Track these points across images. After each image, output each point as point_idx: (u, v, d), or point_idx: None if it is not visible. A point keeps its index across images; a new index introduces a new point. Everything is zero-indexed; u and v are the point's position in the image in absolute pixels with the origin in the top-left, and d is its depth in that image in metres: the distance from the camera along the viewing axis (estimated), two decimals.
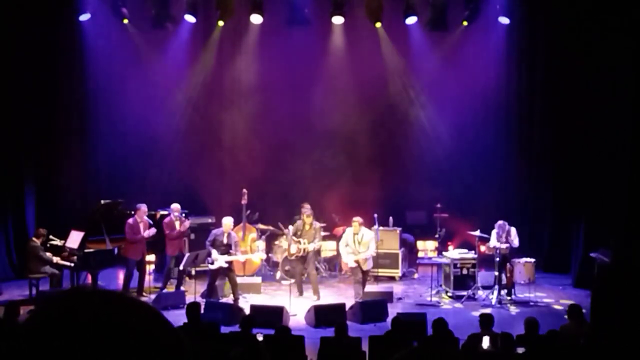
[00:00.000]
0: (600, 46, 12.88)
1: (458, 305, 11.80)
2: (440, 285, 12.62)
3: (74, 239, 11.85)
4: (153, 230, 12.08)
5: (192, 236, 13.46)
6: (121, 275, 12.55)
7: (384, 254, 13.20)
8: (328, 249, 13.57)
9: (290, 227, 12.42)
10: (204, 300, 11.10)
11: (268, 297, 12.22)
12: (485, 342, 7.48)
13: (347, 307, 10.82)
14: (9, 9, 13.33)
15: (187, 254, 11.69)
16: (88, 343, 0.94)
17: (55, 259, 11.81)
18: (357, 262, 11.58)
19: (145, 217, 12.22)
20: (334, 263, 13.93)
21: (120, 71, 14.90)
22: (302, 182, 14.88)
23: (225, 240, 11.65)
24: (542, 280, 12.89)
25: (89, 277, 12.03)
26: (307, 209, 12.71)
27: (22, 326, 0.98)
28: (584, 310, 8.22)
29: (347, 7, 14.61)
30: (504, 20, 14.52)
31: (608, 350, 1.28)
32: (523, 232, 12.47)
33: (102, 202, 12.29)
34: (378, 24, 14.81)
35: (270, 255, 13.98)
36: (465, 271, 12.20)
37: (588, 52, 13.16)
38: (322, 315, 10.42)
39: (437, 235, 13.57)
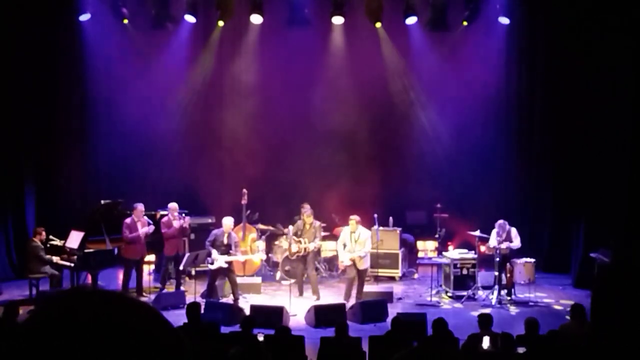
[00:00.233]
0: (600, 46, 12.88)
1: (458, 305, 11.80)
2: (440, 286, 12.62)
3: (74, 239, 11.85)
4: (151, 228, 12.08)
5: (192, 236, 13.45)
6: (121, 276, 12.55)
7: (384, 254, 13.20)
8: (328, 249, 13.56)
9: (290, 227, 12.42)
10: (204, 300, 11.10)
11: (268, 297, 12.22)
12: (486, 342, 7.48)
13: (347, 307, 10.82)
14: (8, 8, 13.32)
15: (187, 254, 11.69)
16: (88, 343, 0.94)
17: (55, 259, 11.82)
18: (352, 260, 11.55)
19: (145, 217, 12.22)
20: (334, 263, 13.91)
21: (120, 71, 14.89)
22: (302, 182, 14.87)
23: (225, 241, 11.65)
24: (542, 281, 12.89)
25: (89, 277, 12.03)
26: (307, 209, 12.70)
27: (22, 326, 0.98)
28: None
29: (347, 7, 14.60)
30: (504, 20, 14.52)
31: (608, 350, 1.28)
32: (523, 232, 12.46)
33: (102, 202, 12.29)
34: (378, 24, 14.80)
35: (270, 255, 13.98)
36: (465, 271, 12.20)
37: (588, 52, 13.16)
38: (322, 315, 10.42)
39: (437, 236, 13.56)
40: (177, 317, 9.50)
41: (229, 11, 14.68)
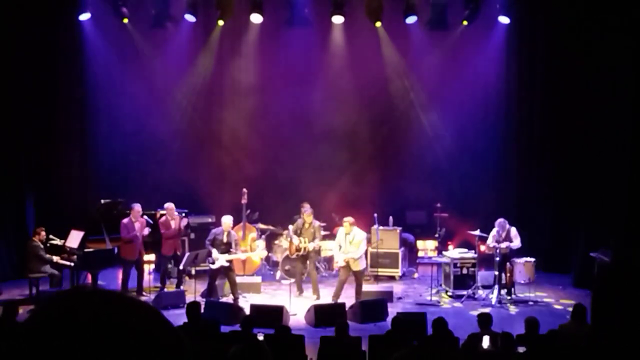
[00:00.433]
0: (600, 45, 12.88)
1: (458, 304, 11.79)
2: (440, 285, 12.62)
3: (74, 238, 11.85)
4: (147, 230, 12.07)
5: (192, 235, 13.46)
6: (121, 275, 12.55)
7: (384, 253, 13.21)
8: (328, 248, 13.55)
9: (290, 227, 12.42)
10: (204, 299, 11.10)
11: (268, 297, 12.22)
12: (486, 341, 7.48)
13: (347, 306, 10.82)
14: (8, 8, 13.32)
15: (187, 254, 11.69)
16: (88, 343, 0.94)
17: (55, 259, 11.82)
18: (346, 262, 11.54)
19: (145, 217, 12.23)
20: (333, 263, 13.92)
21: (120, 70, 14.90)
22: (302, 181, 14.88)
23: (225, 239, 11.64)
24: (542, 280, 12.88)
25: (89, 276, 12.03)
26: (307, 208, 12.70)
27: (22, 326, 0.98)
28: None
29: (347, 6, 14.60)
30: (504, 19, 14.52)
31: (608, 350, 1.28)
32: (523, 231, 12.45)
33: (102, 201, 12.29)
34: (378, 24, 14.80)
35: (270, 254, 13.99)
36: (465, 271, 12.20)
37: (588, 52, 13.16)
38: (322, 314, 10.42)
39: (437, 235, 13.57)
40: (177, 317, 9.51)
41: (229, 11, 14.67)
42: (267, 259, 14.03)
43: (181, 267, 11.80)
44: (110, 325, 0.96)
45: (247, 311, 10.23)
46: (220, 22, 14.82)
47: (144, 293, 12.09)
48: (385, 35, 15.19)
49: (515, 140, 15.03)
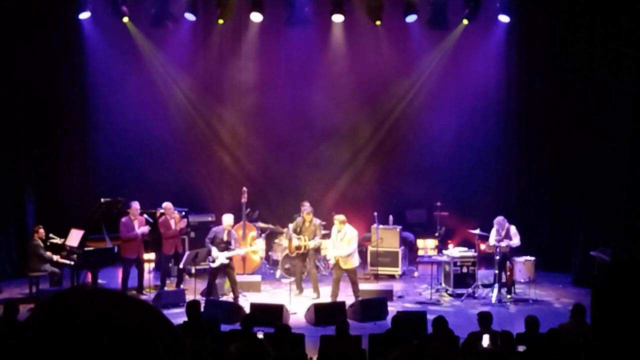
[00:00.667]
0: (601, 45, 12.88)
1: (458, 303, 11.80)
2: (440, 284, 12.62)
3: (74, 237, 11.85)
4: (146, 229, 12.08)
5: (192, 234, 13.46)
6: (121, 274, 12.55)
7: (384, 252, 13.21)
8: (328, 247, 13.54)
9: (290, 225, 12.42)
10: (204, 298, 11.11)
11: (268, 296, 12.22)
12: (485, 340, 7.48)
13: (347, 305, 10.82)
14: (8, 7, 13.31)
15: (187, 252, 11.69)
16: (88, 342, 0.94)
17: (56, 258, 11.82)
18: (336, 259, 11.52)
19: (145, 216, 12.22)
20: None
21: (120, 69, 14.89)
22: (302, 180, 14.89)
23: (225, 237, 11.63)
24: (542, 279, 12.89)
25: (89, 275, 12.03)
26: (306, 206, 12.70)
27: (22, 325, 0.98)
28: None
29: (347, 5, 14.59)
30: (504, 18, 14.52)
31: (608, 349, 1.28)
32: (523, 230, 12.46)
33: (103, 200, 12.29)
34: (378, 22, 14.79)
35: (270, 253, 14.00)
36: (465, 269, 12.20)
37: (588, 51, 13.15)
38: (322, 313, 10.42)
39: (437, 234, 13.58)
40: (177, 316, 9.52)
41: (229, 9, 14.67)
42: (267, 257, 14.03)
43: (181, 265, 11.80)
44: (110, 324, 0.96)
45: (247, 310, 10.23)
46: (220, 21, 14.81)
47: (144, 292, 12.09)
48: (385, 34, 15.18)
49: (515, 138, 15.03)
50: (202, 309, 9.51)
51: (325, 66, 15.33)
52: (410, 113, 15.63)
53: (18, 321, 8.01)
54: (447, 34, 15.11)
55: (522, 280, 12.05)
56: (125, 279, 11.94)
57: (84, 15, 14.40)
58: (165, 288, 12.14)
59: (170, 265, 12.67)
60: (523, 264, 12.04)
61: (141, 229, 11.99)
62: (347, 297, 11.49)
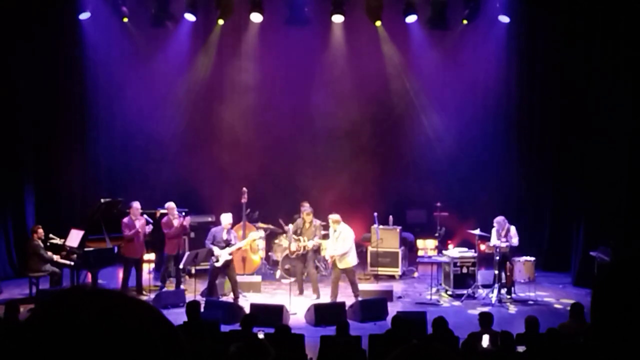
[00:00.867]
0: (601, 44, 12.88)
1: (458, 304, 11.79)
2: (440, 284, 12.62)
3: (74, 237, 11.85)
4: (149, 227, 12.08)
5: (192, 235, 13.45)
6: (121, 274, 12.55)
7: (384, 252, 13.22)
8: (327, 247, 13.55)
9: (291, 226, 12.42)
10: (204, 298, 11.10)
11: (268, 296, 12.22)
12: (485, 340, 7.48)
13: (347, 305, 10.82)
14: (8, 8, 13.31)
15: (187, 253, 11.68)
16: (88, 342, 0.94)
17: (56, 258, 11.82)
18: (332, 259, 11.51)
19: (145, 216, 12.22)
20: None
21: (120, 70, 14.89)
22: (302, 180, 14.89)
23: (224, 236, 11.63)
24: (542, 279, 12.89)
25: (89, 275, 12.03)
26: (306, 207, 12.70)
27: (22, 325, 0.98)
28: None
29: (347, 5, 14.60)
30: (504, 18, 14.52)
31: (608, 349, 1.28)
32: (523, 230, 12.46)
33: (102, 200, 12.29)
34: (378, 23, 14.80)
35: (270, 253, 14.00)
36: (465, 270, 12.20)
37: (588, 51, 13.16)
38: (322, 313, 10.43)
39: (437, 234, 13.57)
40: (177, 316, 9.52)
41: (228, 10, 14.68)
42: (267, 258, 14.04)
43: (181, 266, 11.80)
44: (110, 324, 0.96)
45: (247, 310, 10.23)
46: (220, 21, 14.83)
47: (143, 292, 12.09)
48: (385, 34, 15.19)
49: (515, 138, 15.03)
50: (202, 309, 9.51)
51: (325, 66, 15.34)
52: (410, 113, 15.64)
53: (18, 321, 8.00)
54: (447, 34, 15.11)
55: (522, 281, 12.05)
56: (126, 279, 11.95)
57: (84, 15, 14.39)
58: (165, 288, 12.14)
59: (170, 265, 12.65)
60: (523, 264, 12.03)
61: (143, 225, 11.99)
62: (347, 297, 11.50)
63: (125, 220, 11.88)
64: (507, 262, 11.85)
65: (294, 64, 15.17)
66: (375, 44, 15.23)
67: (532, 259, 12.16)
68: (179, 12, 14.74)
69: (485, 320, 8.06)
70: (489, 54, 15.02)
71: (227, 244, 11.59)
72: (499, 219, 11.97)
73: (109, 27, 14.73)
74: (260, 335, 7.50)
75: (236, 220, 12.68)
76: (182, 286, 12.23)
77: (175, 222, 12.26)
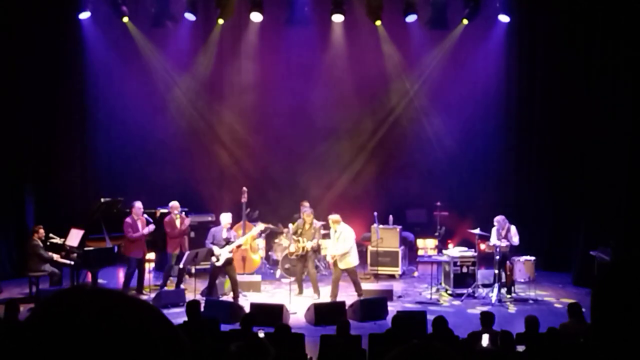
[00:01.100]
0: (601, 44, 12.88)
1: (458, 303, 11.79)
2: (440, 284, 12.62)
3: (74, 237, 11.85)
4: (152, 227, 12.09)
5: (192, 234, 13.44)
6: (121, 274, 12.55)
7: (384, 252, 13.22)
8: (327, 247, 13.53)
9: (291, 226, 12.42)
10: (204, 298, 11.10)
11: (268, 296, 12.22)
12: (485, 340, 7.48)
13: (347, 305, 10.82)
14: (8, 8, 13.31)
15: (187, 252, 11.68)
16: (88, 342, 0.94)
17: (56, 257, 11.82)
18: (333, 258, 11.51)
19: (145, 215, 12.22)
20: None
21: (120, 69, 14.89)
22: (302, 180, 14.90)
23: (224, 235, 11.64)
24: (542, 279, 12.88)
25: (89, 275, 12.03)
26: (306, 207, 12.71)
27: (22, 325, 0.98)
28: (583, 309, 8.23)
29: (347, 5, 14.60)
30: (504, 18, 14.52)
31: (608, 349, 1.28)
32: (523, 230, 12.46)
33: (103, 200, 12.29)
34: (378, 22, 14.80)
35: (270, 253, 14.00)
36: (465, 269, 12.20)
37: (588, 50, 13.16)
38: (322, 313, 10.42)
39: (437, 234, 13.57)
40: (177, 315, 9.52)
41: (229, 9, 14.67)
42: (267, 257, 14.04)
43: (181, 265, 11.79)
44: (110, 324, 0.96)
45: (247, 310, 10.23)
46: (220, 21, 14.83)
47: (144, 292, 12.09)
48: (385, 33, 15.18)
49: (515, 138, 15.03)
50: (202, 309, 9.51)
51: (325, 66, 15.34)
52: (410, 113, 15.64)
53: (18, 321, 8.01)
54: (447, 34, 15.11)
55: (522, 280, 12.05)
56: (128, 279, 11.95)
57: (84, 15, 14.40)
58: (165, 288, 12.14)
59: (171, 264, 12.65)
60: (523, 264, 12.03)
61: (147, 228, 11.99)
62: (347, 297, 11.49)
63: (128, 220, 11.87)
64: (507, 262, 11.85)
65: (294, 63, 15.17)
66: (375, 43, 15.23)
67: (532, 258, 12.16)
68: (179, 12, 14.73)
69: (487, 319, 8.05)
70: (489, 54, 15.03)
71: (227, 243, 11.59)
72: (499, 218, 11.97)
73: (109, 27, 14.73)
74: (261, 335, 7.50)
75: (236, 220, 12.68)
76: (182, 286, 12.23)
77: (178, 222, 12.26)
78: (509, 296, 11.82)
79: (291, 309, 10.77)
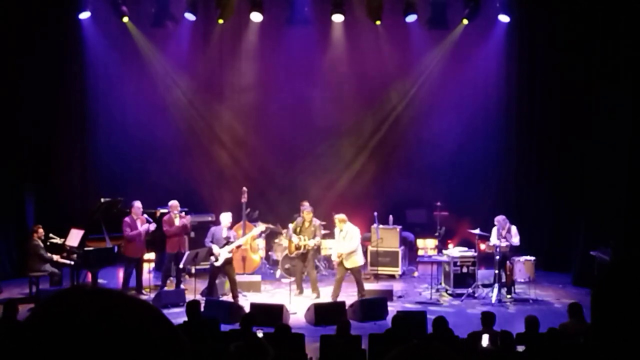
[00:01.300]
0: (601, 44, 12.87)
1: (458, 303, 11.79)
2: (440, 284, 12.62)
3: (74, 237, 11.85)
4: (152, 226, 12.09)
5: (192, 234, 13.44)
6: (121, 274, 12.54)
7: (384, 252, 13.22)
8: (328, 247, 13.55)
9: (290, 225, 12.42)
10: (204, 298, 11.10)
11: (268, 296, 12.22)
12: (485, 340, 7.48)
13: (347, 305, 10.82)
14: (8, 8, 13.31)
15: (187, 252, 11.68)
16: (88, 342, 0.94)
17: (55, 258, 11.82)
18: (339, 257, 11.52)
19: (145, 215, 12.22)
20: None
21: (120, 69, 14.89)
22: (302, 180, 14.90)
23: (224, 234, 11.63)
24: (542, 279, 12.89)
25: (89, 275, 12.03)
26: (306, 206, 12.71)
27: (22, 325, 0.98)
28: (583, 309, 8.22)
29: (347, 5, 14.61)
30: (504, 18, 14.52)
31: (608, 349, 1.28)
32: (523, 230, 12.46)
33: (102, 200, 12.29)
34: (378, 22, 14.80)
35: (270, 253, 14.00)
36: (465, 269, 12.20)
37: (588, 50, 13.15)
38: (322, 313, 10.42)
39: (437, 234, 13.58)
40: (177, 315, 9.52)
41: (229, 9, 14.67)
42: (267, 257, 14.04)
43: (181, 265, 11.79)
44: (110, 324, 0.96)
45: (247, 310, 10.23)
46: (220, 21, 14.82)
47: (143, 292, 12.09)
48: (385, 34, 15.18)
49: (515, 138, 15.03)
50: (202, 309, 9.51)
51: (325, 66, 15.34)
52: (410, 113, 15.63)
53: (18, 321, 8.00)
54: (447, 34, 15.11)
55: (522, 280, 12.05)
56: (127, 279, 11.95)
57: (84, 15, 14.40)
58: (165, 288, 12.13)
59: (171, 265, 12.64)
60: (523, 264, 12.03)
61: (144, 226, 11.99)
62: (347, 297, 11.49)
63: (127, 219, 11.87)
64: (507, 262, 11.85)
65: (294, 63, 15.16)
66: (375, 43, 15.22)
67: (532, 258, 12.16)
68: (179, 12, 14.73)
69: (487, 319, 8.05)
70: (489, 54, 15.03)
71: (227, 242, 11.59)
72: (500, 218, 11.97)
73: (109, 27, 14.73)
74: (260, 335, 7.50)
75: (236, 220, 12.68)
76: (182, 286, 12.23)
77: (177, 221, 12.25)
78: (509, 296, 11.82)
79: (291, 309, 10.77)
